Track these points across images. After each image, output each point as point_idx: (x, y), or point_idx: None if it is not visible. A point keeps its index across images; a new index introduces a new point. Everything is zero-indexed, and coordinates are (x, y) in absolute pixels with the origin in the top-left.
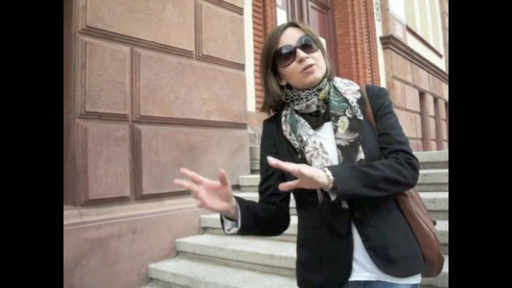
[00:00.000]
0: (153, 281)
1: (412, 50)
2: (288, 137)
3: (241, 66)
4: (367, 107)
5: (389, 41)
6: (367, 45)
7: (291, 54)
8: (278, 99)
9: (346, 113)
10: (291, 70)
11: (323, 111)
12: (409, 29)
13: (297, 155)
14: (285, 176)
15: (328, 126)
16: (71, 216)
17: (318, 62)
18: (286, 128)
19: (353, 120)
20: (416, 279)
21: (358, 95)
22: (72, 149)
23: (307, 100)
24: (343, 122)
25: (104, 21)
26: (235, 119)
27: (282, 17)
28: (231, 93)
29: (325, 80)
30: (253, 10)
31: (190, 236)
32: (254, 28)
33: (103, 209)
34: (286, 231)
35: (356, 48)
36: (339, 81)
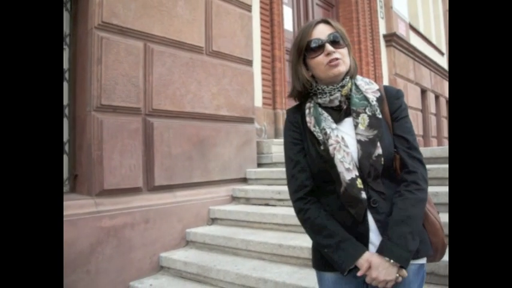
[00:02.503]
0: (164, 269)
1: (414, 48)
2: (312, 128)
3: (249, 62)
4: (385, 106)
5: (392, 39)
6: (371, 43)
7: (320, 47)
8: (307, 85)
9: (367, 110)
10: (318, 62)
11: (345, 106)
12: (412, 27)
13: (320, 146)
14: (310, 167)
15: (348, 122)
16: (86, 205)
17: (343, 58)
18: (310, 120)
19: (372, 118)
20: (423, 260)
21: (378, 94)
22: (88, 141)
23: (331, 95)
24: (364, 119)
25: (119, 17)
26: (243, 114)
27: (288, 14)
28: (239, 89)
29: (348, 77)
30: (261, 7)
31: (200, 227)
32: (261, 25)
33: (117, 199)
34: (293, 222)
35: (360, 46)
36: (360, 80)
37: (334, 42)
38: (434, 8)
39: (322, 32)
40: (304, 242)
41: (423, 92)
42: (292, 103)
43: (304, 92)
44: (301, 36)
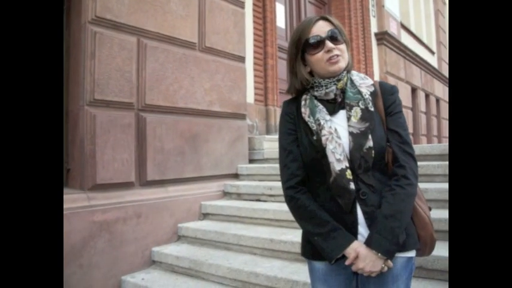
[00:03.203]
0: (156, 264)
1: (405, 47)
2: (307, 119)
3: (241, 59)
4: (379, 101)
5: (383, 37)
6: (362, 41)
7: (320, 44)
8: (305, 83)
9: (360, 104)
10: (318, 58)
11: (339, 99)
12: (403, 26)
13: (313, 136)
14: (302, 157)
15: (342, 114)
16: (79, 199)
17: (342, 54)
18: (305, 111)
19: (365, 111)
20: (411, 253)
21: (372, 89)
22: (81, 135)
23: (327, 88)
24: (356, 112)
25: (113, 12)
26: (235, 110)
27: (280, 11)
28: (231, 85)
29: (345, 72)
30: (254, 4)
31: (192, 222)
32: (254, 22)
33: (110, 194)
34: (284, 218)
35: (351, 44)
36: (355, 75)
37: (334, 39)
38: (425, 8)
39: (321, 28)
40: (295, 237)
41: (413, 90)
42: (284, 99)
43: (302, 88)
44: (300, 33)
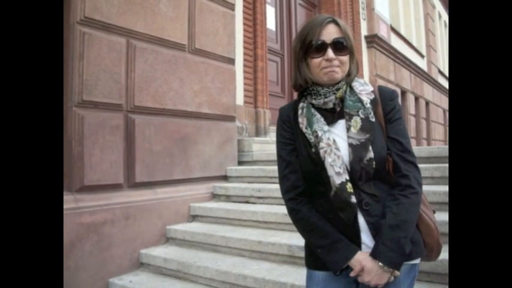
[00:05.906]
0: (144, 266)
1: (395, 50)
2: (304, 130)
3: (231, 61)
4: (379, 108)
5: (373, 40)
6: None
7: (322, 50)
8: (308, 80)
9: (360, 113)
10: (316, 63)
11: (338, 109)
12: (393, 29)
13: (311, 148)
14: (302, 168)
15: (341, 124)
16: (67, 201)
17: (342, 66)
18: (302, 121)
19: (365, 121)
20: (416, 260)
21: (372, 96)
22: (69, 137)
23: (325, 97)
24: (356, 122)
25: (102, 13)
26: (225, 112)
27: (270, 13)
28: (221, 87)
29: (343, 81)
30: (244, 6)
31: (180, 224)
32: (244, 24)
33: (98, 195)
34: (273, 220)
35: None
36: (354, 81)
37: (337, 48)
38: (415, 11)
39: (328, 33)
40: (283, 239)
41: (403, 93)
42: (274, 101)
43: (305, 85)
44: (307, 32)
